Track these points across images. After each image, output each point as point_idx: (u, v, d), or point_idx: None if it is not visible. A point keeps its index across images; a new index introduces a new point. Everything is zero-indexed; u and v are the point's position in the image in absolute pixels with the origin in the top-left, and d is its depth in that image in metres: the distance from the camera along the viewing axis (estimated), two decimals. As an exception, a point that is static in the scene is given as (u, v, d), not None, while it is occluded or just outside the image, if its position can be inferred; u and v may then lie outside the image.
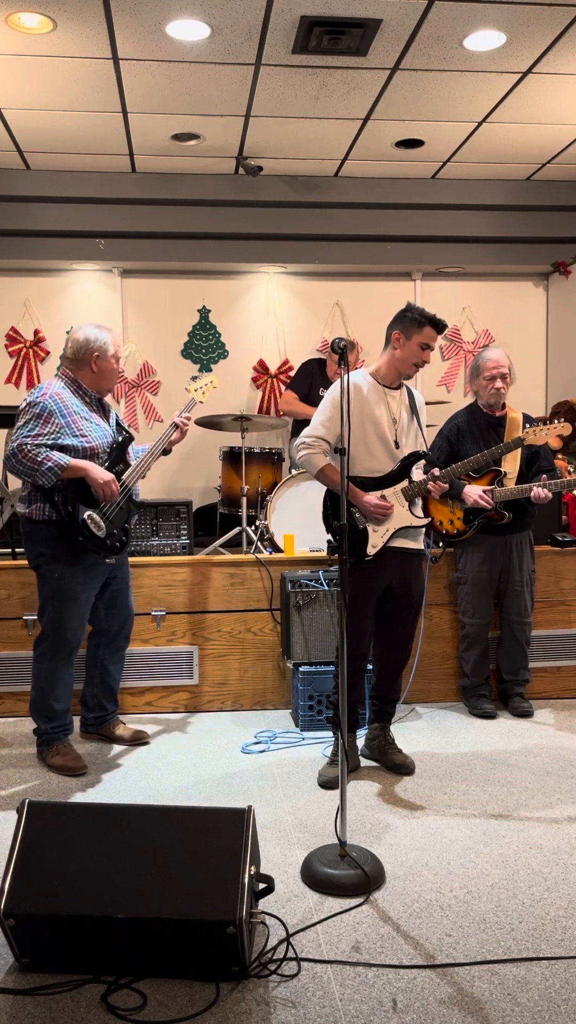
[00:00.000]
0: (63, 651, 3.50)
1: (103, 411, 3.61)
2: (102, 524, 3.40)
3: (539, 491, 3.91)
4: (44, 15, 3.89)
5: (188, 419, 3.74)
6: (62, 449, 3.34)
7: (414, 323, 3.37)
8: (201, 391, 3.88)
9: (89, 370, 3.49)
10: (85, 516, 3.34)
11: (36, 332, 6.24)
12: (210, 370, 6.38)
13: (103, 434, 3.50)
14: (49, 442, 3.32)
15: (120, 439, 3.56)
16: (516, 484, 4.07)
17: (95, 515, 3.37)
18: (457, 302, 6.58)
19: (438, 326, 3.41)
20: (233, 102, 4.84)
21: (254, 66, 4.41)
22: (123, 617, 3.76)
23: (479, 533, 4.16)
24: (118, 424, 3.67)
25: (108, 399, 3.73)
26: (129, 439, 3.61)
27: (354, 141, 5.43)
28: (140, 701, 4.29)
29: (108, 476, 3.38)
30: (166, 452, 3.72)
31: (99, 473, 3.36)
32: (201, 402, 3.87)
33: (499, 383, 4.12)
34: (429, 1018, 1.99)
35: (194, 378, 3.90)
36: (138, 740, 3.81)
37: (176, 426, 3.69)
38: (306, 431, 3.44)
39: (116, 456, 3.53)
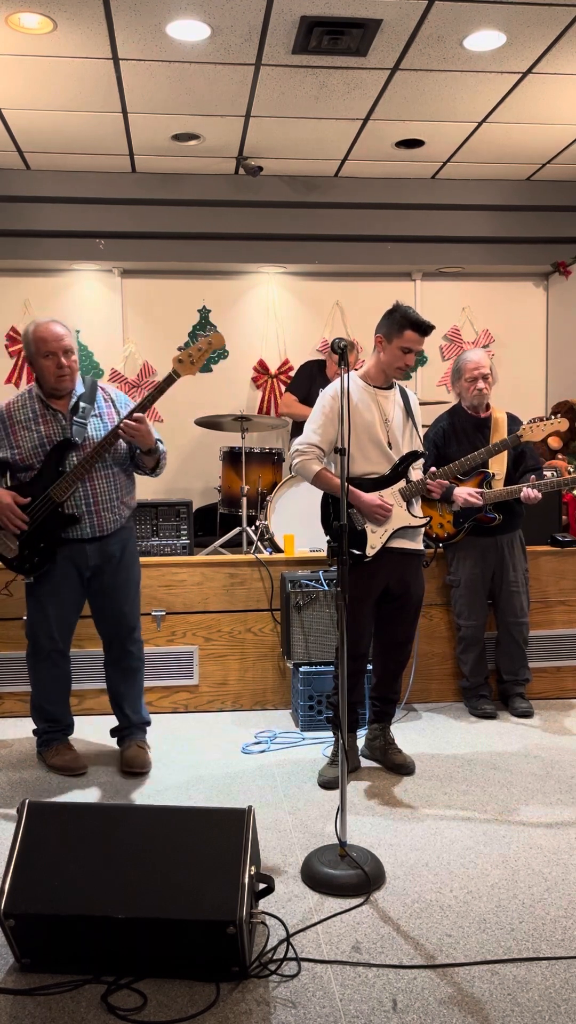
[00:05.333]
0: (38, 654, 3.47)
1: (81, 408, 3.34)
2: (12, 545, 3.35)
3: (528, 491, 3.92)
4: (44, 15, 3.89)
5: (139, 419, 3.23)
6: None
7: (396, 325, 3.31)
8: (190, 359, 3.25)
9: (36, 370, 3.34)
10: None
11: (36, 332, 6.23)
12: (210, 370, 6.36)
13: (39, 443, 3.31)
14: None
15: (59, 443, 3.29)
16: (504, 485, 4.07)
17: (3, 537, 3.34)
18: (457, 302, 6.58)
19: (421, 328, 3.30)
20: (233, 102, 4.84)
21: (254, 66, 4.41)
22: (111, 629, 3.53)
23: (469, 536, 4.16)
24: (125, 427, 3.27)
25: (106, 399, 3.46)
26: (66, 444, 3.29)
27: (354, 141, 5.43)
28: (140, 701, 4.29)
29: (5, 502, 3.25)
30: (147, 454, 3.35)
31: None
32: (187, 374, 3.27)
33: (481, 384, 4.13)
34: (429, 1018, 1.99)
35: (182, 346, 3.30)
36: (131, 768, 3.48)
37: (115, 433, 3.28)
38: (299, 439, 3.43)
39: (51, 463, 3.29)
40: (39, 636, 3.46)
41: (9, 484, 3.42)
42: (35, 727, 3.62)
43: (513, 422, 4.16)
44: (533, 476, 4.02)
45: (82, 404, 3.38)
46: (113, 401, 3.49)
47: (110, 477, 3.40)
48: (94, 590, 3.50)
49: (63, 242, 5.98)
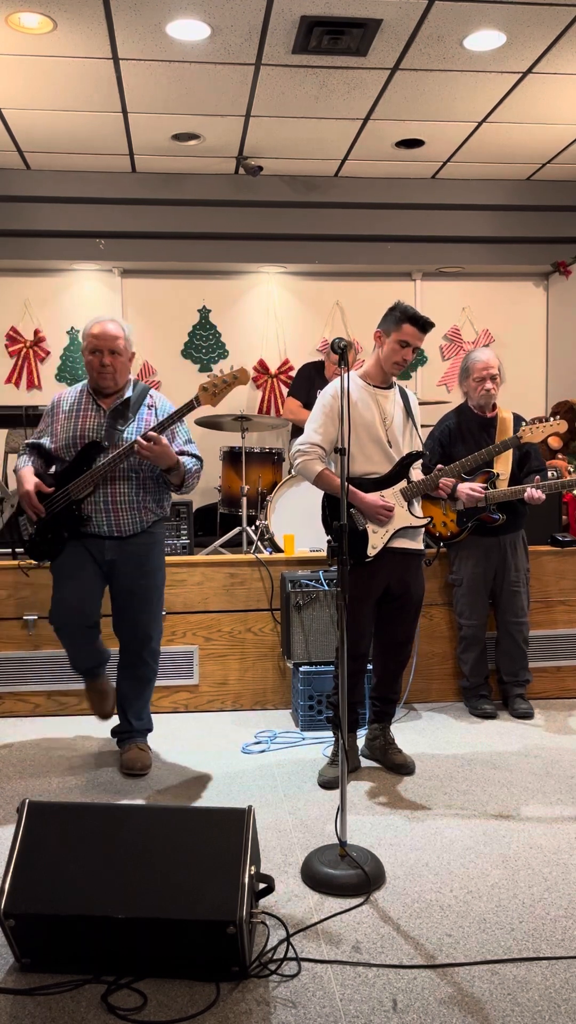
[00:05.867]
0: (56, 625, 3.47)
1: (121, 412, 3.38)
2: (29, 527, 3.45)
3: (532, 492, 3.92)
4: (44, 15, 3.89)
5: (154, 439, 3.20)
6: (38, 448, 3.45)
7: (394, 320, 3.34)
8: (214, 389, 3.27)
9: (86, 364, 3.43)
10: (21, 518, 3.46)
11: (36, 332, 6.24)
12: (210, 369, 6.36)
13: (73, 435, 3.36)
14: (34, 440, 3.47)
15: (87, 444, 3.33)
16: (508, 485, 4.07)
17: (25, 521, 3.46)
18: (457, 302, 6.58)
19: (419, 323, 3.32)
20: (233, 102, 4.84)
21: (254, 66, 4.41)
22: (126, 635, 3.50)
23: (472, 535, 4.16)
24: (157, 428, 3.29)
25: (151, 400, 3.47)
26: (94, 446, 3.32)
27: (354, 141, 5.43)
28: (140, 701, 4.29)
29: (25, 489, 3.31)
30: (168, 471, 3.33)
31: (23, 485, 3.33)
32: (207, 404, 3.31)
33: (489, 384, 4.12)
34: (429, 1018, 1.99)
35: (212, 373, 3.35)
36: (131, 770, 3.48)
37: (129, 449, 3.27)
38: (300, 439, 3.43)
39: (77, 460, 3.34)
40: (54, 609, 3.44)
41: (50, 471, 3.50)
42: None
43: (519, 422, 4.16)
44: (537, 477, 4.02)
45: (126, 409, 3.40)
46: (156, 409, 3.47)
47: (134, 481, 3.37)
48: (115, 590, 3.48)
49: (63, 242, 5.98)
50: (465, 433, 4.18)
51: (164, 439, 3.25)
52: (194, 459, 3.45)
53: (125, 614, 3.48)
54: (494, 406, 4.22)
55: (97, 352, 3.34)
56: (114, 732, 3.65)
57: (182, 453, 3.40)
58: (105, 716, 3.67)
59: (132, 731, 3.58)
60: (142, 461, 3.31)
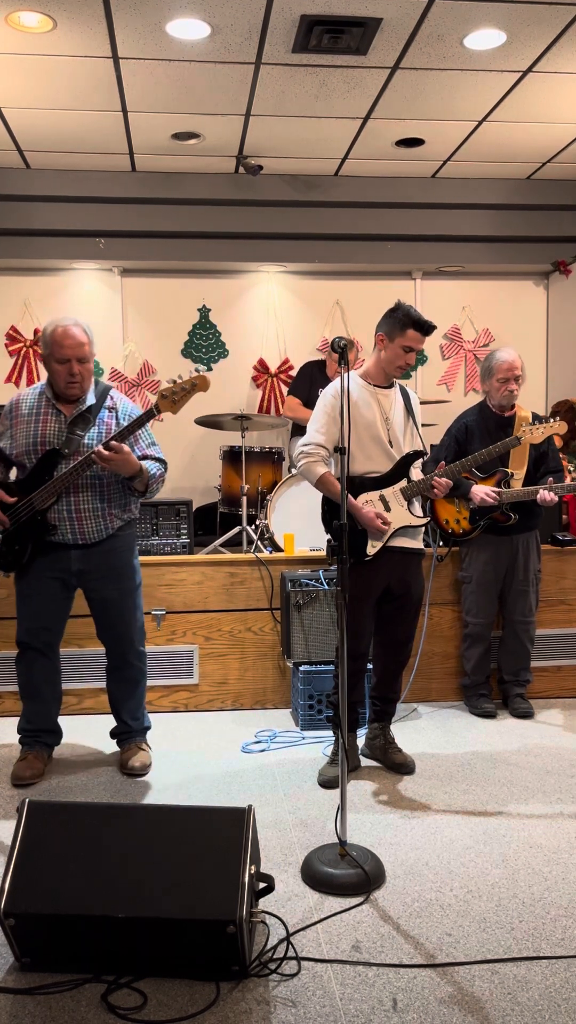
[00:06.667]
0: (19, 647, 3.44)
1: (83, 417, 3.30)
2: None
3: (544, 494, 3.91)
4: (44, 14, 3.89)
5: (115, 448, 3.12)
6: None
7: (397, 324, 3.31)
8: (173, 397, 3.21)
9: (49, 371, 3.30)
10: None
11: (36, 332, 6.23)
12: (210, 369, 6.35)
13: (33, 441, 3.27)
14: None
15: (47, 451, 3.25)
16: (524, 485, 4.06)
17: None
18: (457, 301, 6.58)
19: (423, 328, 3.31)
20: (233, 101, 4.84)
21: (254, 65, 4.41)
22: (108, 640, 3.49)
23: (485, 533, 4.16)
24: (139, 435, 3.30)
25: (113, 402, 3.40)
26: (54, 453, 3.24)
27: (354, 140, 5.42)
28: (140, 700, 4.29)
29: None
30: (131, 479, 3.28)
31: None
32: (167, 411, 3.24)
33: (512, 385, 4.10)
34: (429, 1017, 1.99)
35: (172, 380, 3.26)
36: (131, 769, 3.47)
37: (89, 460, 3.18)
38: (304, 439, 3.42)
39: (38, 469, 3.25)
40: (20, 627, 3.43)
41: (9, 478, 3.40)
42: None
43: (538, 421, 4.14)
44: (551, 479, 4.01)
45: (87, 415, 3.32)
46: (117, 411, 3.39)
47: (97, 489, 3.31)
48: (90, 599, 3.45)
49: (63, 241, 5.98)
50: (483, 431, 4.16)
51: (125, 447, 3.17)
52: (158, 463, 3.39)
53: (104, 621, 3.46)
54: (513, 405, 4.21)
55: (65, 362, 3.22)
56: (113, 734, 3.64)
57: (145, 457, 3.34)
58: (20, 781, 3.39)
59: (131, 731, 3.58)
60: (104, 469, 3.23)
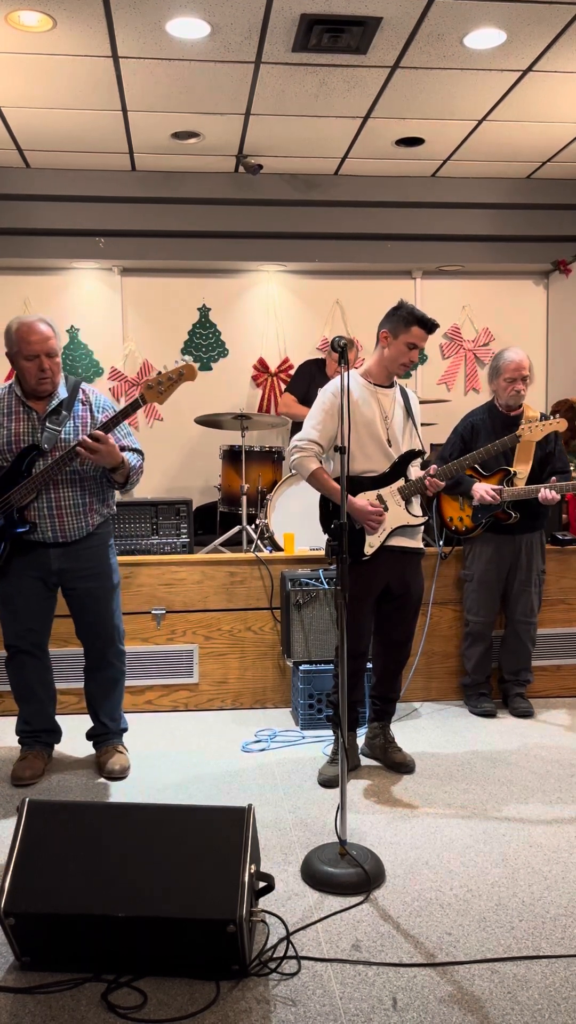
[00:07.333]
0: (7, 651, 3.43)
1: (58, 412, 3.27)
2: None
3: (546, 492, 3.91)
4: (44, 13, 3.88)
5: (100, 438, 3.12)
6: None
7: (402, 322, 3.32)
8: (159, 387, 3.16)
9: (17, 369, 3.27)
10: None
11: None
12: (210, 368, 6.35)
13: (8, 441, 3.23)
14: None
15: (24, 448, 3.22)
16: (528, 484, 4.06)
17: None
18: (457, 300, 6.58)
19: (427, 325, 3.32)
20: (233, 100, 4.83)
21: (254, 64, 4.41)
22: (87, 639, 3.47)
23: (488, 532, 4.16)
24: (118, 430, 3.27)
25: (92, 398, 3.37)
26: (32, 449, 3.21)
27: (354, 139, 5.42)
28: (140, 700, 4.29)
29: None
30: (112, 471, 3.26)
31: None
32: (153, 401, 3.20)
33: (519, 385, 4.10)
34: (429, 1016, 1.99)
35: (160, 371, 3.23)
36: (110, 773, 3.43)
37: (73, 452, 3.17)
38: (298, 435, 3.42)
39: (15, 466, 3.21)
40: (7, 634, 3.42)
41: None
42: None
43: (544, 420, 4.14)
44: (554, 478, 4.01)
45: (61, 409, 3.29)
46: (91, 405, 3.36)
47: (78, 484, 3.30)
48: (69, 597, 3.43)
49: (63, 240, 5.98)
50: (489, 430, 4.15)
51: (111, 438, 3.17)
52: (136, 454, 3.37)
53: (84, 620, 3.44)
54: (520, 404, 4.21)
55: (34, 358, 3.20)
56: (89, 735, 3.60)
57: (123, 448, 3.31)
58: (20, 781, 3.40)
59: (108, 733, 3.55)
60: (85, 462, 3.22)
